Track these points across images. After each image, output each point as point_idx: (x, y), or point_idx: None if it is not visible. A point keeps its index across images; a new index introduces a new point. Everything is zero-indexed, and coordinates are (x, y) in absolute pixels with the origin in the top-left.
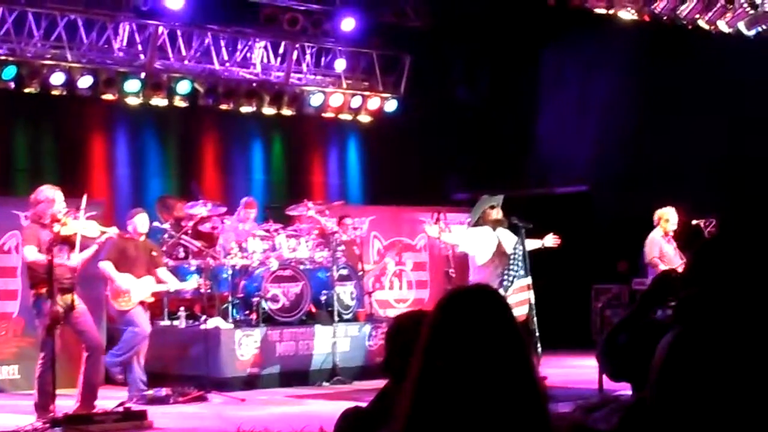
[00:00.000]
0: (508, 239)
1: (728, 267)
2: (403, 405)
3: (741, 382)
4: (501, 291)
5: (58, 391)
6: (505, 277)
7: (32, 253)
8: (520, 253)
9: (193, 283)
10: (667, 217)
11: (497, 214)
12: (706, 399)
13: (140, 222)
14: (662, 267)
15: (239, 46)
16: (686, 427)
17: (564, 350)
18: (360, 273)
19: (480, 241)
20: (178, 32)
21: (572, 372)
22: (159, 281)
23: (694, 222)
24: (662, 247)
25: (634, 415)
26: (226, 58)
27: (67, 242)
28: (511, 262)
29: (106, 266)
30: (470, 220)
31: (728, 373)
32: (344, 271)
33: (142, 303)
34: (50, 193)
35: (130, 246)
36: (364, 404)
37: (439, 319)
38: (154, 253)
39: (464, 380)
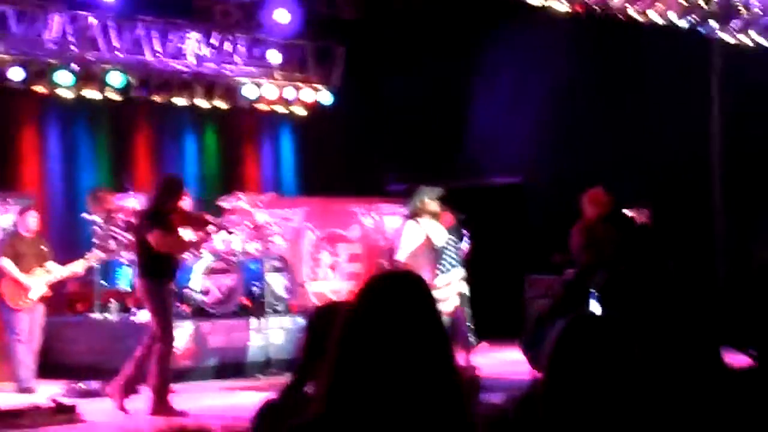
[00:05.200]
0: (439, 233)
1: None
2: (320, 391)
3: (627, 375)
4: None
5: None
6: (438, 267)
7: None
8: (453, 245)
9: (78, 265)
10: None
11: (435, 206)
12: (594, 385)
13: (32, 220)
14: None
15: (171, 38)
16: (574, 415)
17: (498, 341)
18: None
19: (408, 239)
20: (110, 24)
21: (506, 363)
22: (48, 272)
23: (625, 212)
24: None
25: (526, 403)
26: (158, 49)
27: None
28: (444, 254)
29: (6, 263)
30: (406, 211)
31: (617, 365)
32: (276, 263)
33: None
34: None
35: (23, 243)
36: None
37: (359, 304)
38: (43, 248)
39: (382, 366)
